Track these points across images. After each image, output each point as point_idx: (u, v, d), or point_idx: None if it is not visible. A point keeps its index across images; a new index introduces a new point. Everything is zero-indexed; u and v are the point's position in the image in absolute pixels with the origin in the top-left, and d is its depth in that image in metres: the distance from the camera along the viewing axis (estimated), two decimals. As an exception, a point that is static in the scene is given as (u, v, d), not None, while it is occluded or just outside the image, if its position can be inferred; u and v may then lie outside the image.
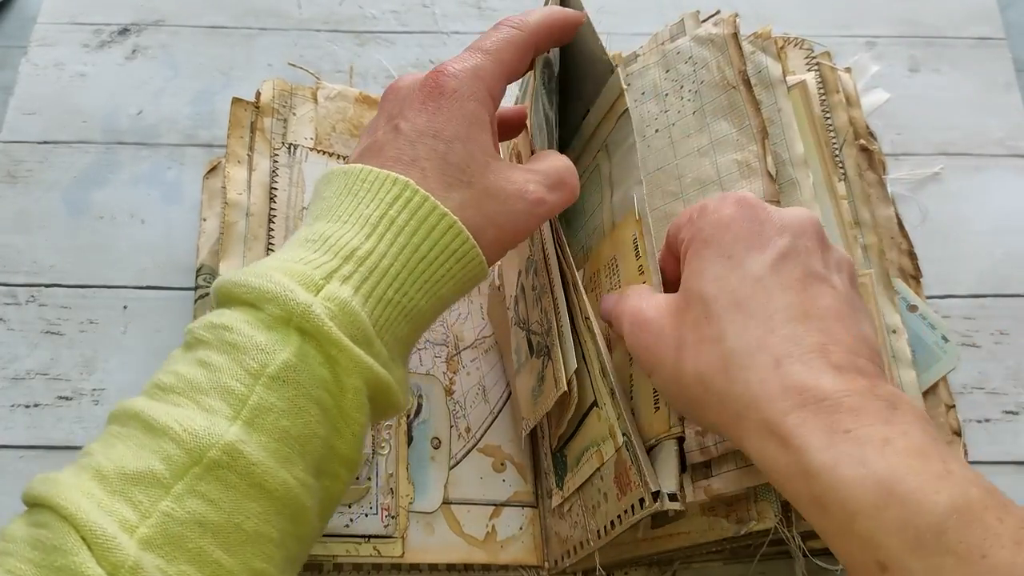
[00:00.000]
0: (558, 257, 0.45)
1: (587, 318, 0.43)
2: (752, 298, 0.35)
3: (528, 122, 0.45)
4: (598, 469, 0.43)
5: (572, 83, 0.49)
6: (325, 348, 0.32)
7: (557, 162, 0.40)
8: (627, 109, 0.45)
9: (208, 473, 0.30)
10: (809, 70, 0.55)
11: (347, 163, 0.38)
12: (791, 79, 0.51)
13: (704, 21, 0.49)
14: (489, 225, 0.37)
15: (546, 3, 0.46)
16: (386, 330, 0.34)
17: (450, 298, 0.37)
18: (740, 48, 0.46)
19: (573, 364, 0.43)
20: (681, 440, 0.41)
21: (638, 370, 0.43)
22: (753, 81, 0.46)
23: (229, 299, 0.34)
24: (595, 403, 0.43)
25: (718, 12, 0.48)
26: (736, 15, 0.47)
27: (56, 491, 0.29)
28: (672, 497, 0.39)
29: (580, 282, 0.44)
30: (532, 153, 0.44)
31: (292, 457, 0.31)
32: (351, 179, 0.36)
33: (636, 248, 0.42)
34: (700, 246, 0.37)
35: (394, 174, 0.35)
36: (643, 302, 0.39)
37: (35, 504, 0.30)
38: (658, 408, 0.41)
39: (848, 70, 0.61)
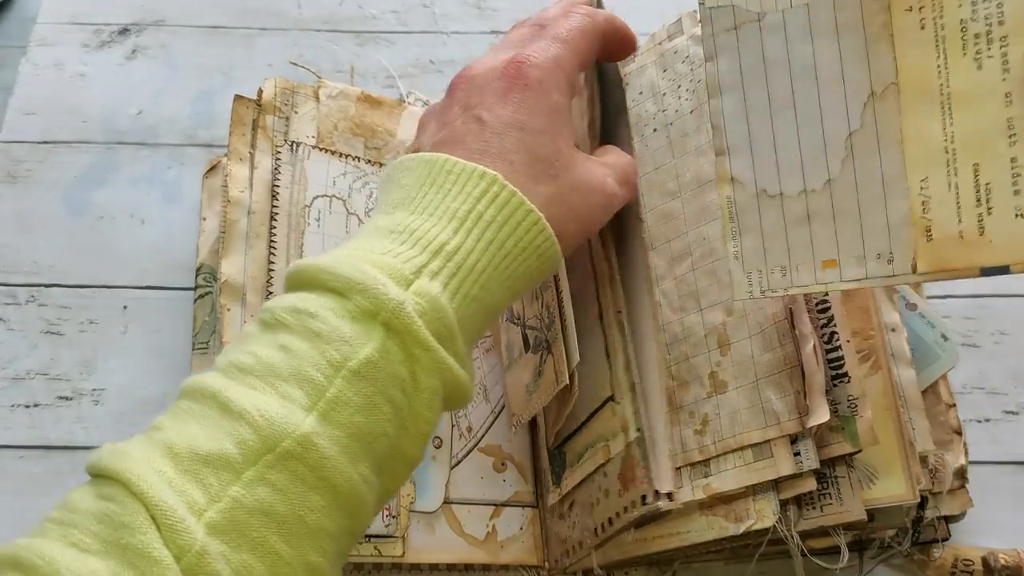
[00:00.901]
0: (590, 251, 0.45)
1: (619, 311, 0.43)
2: None
3: (592, 115, 0.45)
4: (602, 465, 0.43)
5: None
6: (408, 347, 0.32)
7: (623, 158, 0.40)
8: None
9: (280, 462, 0.29)
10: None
11: (419, 151, 0.37)
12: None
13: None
14: (571, 219, 0.37)
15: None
16: (466, 326, 0.34)
17: (523, 292, 0.37)
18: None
19: (576, 358, 0.43)
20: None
21: None
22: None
23: (312, 283, 0.33)
24: (612, 398, 0.43)
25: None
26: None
27: (127, 465, 0.29)
28: (669, 496, 0.39)
29: (617, 276, 0.43)
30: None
31: (360, 454, 0.31)
32: (435, 169, 0.35)
33: None
34: None
35: (481, 168, 0.35)
36: None
37: (102, 476, 0.30)
38: None
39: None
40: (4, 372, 0.55)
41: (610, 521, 0.42)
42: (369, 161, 0.56)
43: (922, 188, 0.32)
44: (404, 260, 0.33)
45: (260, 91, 0.56)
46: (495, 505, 0.51)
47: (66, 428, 0.53)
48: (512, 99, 0.37)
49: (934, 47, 0.31)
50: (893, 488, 0.45)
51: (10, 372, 0.55)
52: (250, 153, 0.55)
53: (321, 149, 0.55)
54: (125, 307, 0.57)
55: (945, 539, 0.49)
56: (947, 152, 0.31)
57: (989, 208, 0.30)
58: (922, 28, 0.31)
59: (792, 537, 0.44)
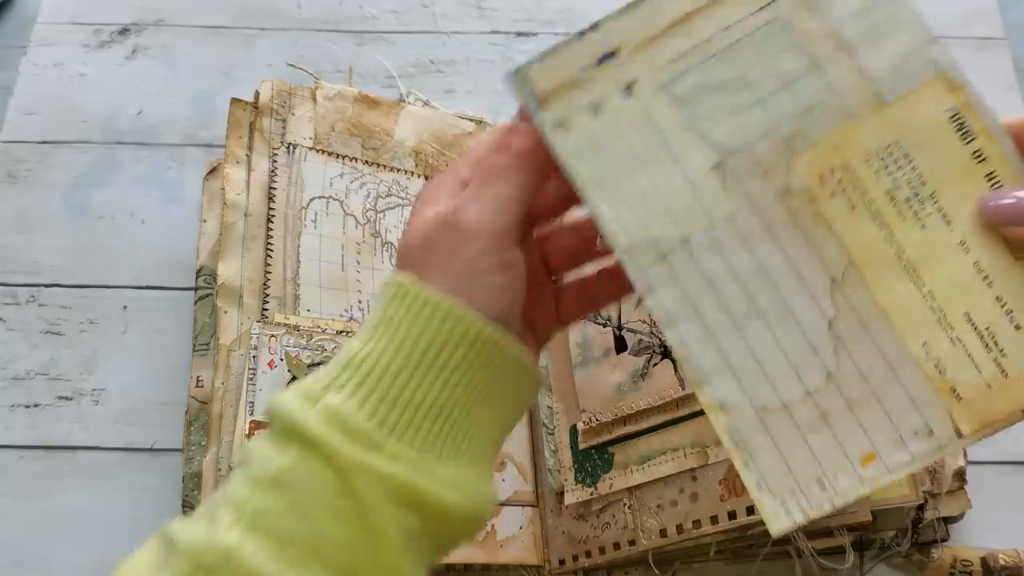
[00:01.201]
0: None
1: None
2: None
3: None
4: (693, 469, 0.44)
5: None
6: (325, 453, 0.32)
7: (473, 143, 0.36)
8: None
9: None
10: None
11: None
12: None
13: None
14: (473, 285, 0.34)
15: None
16: (407, 430, 0.33)
17: (485, 387, 0.34)
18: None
19: None
20: None
21: None
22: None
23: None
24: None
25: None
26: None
27: None
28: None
29: None
30: None
31: (301, 558, 0.32)
32: (375, 297, 0.38)
33: (961, 127, 0.31)
34: None
35: (392, 276, 0.35)
36: None
37: None
38: None
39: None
40: (4, 372, 0.55)
41: (696, 524, 0.43)
42: (367, 162, 0.56)
43: (928, 352, 0.31)
44: (317, 380, 0.34)
45: (257, 93, 0.56)
46: (494, 505, 0.50)
47: (66, 428, 0.53)
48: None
49: (872, 222, 0.31)
50: (896, 489, 0.45)
51: (10, 372, 0.55)
52: (247, 156, 0.55)
53: (318, 151, 0.55)
54: (125, 307, 0.57)
55: (944, 540, 0.49)
56: (934, 311, 0.31)
57: (1001, 351, 0.30)
58: (852, 208, 0.32)
59: (798, 538, 0.44)
